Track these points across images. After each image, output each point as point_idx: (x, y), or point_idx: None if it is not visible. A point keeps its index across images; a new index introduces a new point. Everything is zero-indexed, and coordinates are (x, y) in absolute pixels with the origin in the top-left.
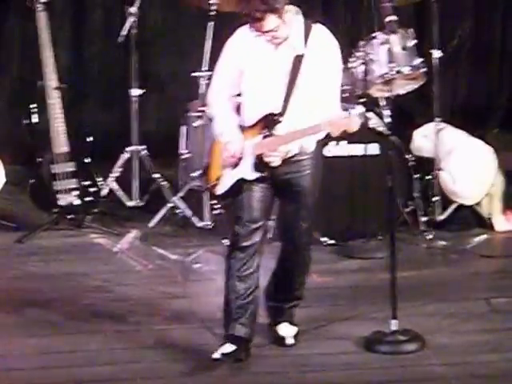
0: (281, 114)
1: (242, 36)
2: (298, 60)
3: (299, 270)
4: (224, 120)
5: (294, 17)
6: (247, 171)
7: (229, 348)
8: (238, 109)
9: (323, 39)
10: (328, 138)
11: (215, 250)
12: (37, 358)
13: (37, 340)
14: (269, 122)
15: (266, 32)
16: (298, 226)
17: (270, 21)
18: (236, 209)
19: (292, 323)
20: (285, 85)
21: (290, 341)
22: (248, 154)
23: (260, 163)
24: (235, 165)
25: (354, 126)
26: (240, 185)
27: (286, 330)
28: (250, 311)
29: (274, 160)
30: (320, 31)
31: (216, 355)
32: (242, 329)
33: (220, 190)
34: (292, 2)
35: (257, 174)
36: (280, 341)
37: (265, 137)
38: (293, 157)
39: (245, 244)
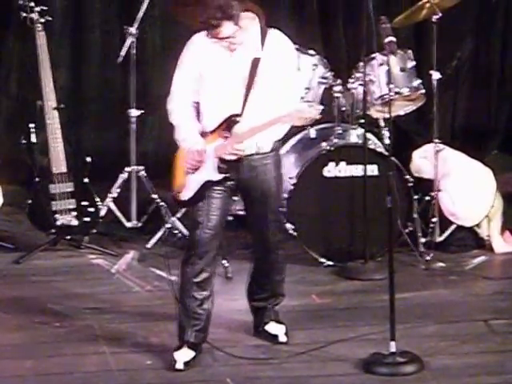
0: (239, 115)
1: (199, 42)
2: (255, 63)
3: (274, 269)
4: (185, 127)
5: (250, 22)
6: (212, 173)
7: (188, 355)
8: (198, 115)
9: (279, 42)
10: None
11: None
12: (34, 380)
13: (34, 361)
14: (229, 124)
15: (223, 39)
16: (267, 228)
17: (227, 28)
18: (195, 214)
19: (279, 321)
20: (243, 87)
21: (282, 338)
22: (210, 157)
23: (222, 165)
24: (198, 169)
25: (314, 113)
26: (205, 189)
27: (276, 328)
28: (206, 316)
29: (232, 157)
30: (276, 35)
31: (179, 366)
32: (199, 335)
33: (186, 195)
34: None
35: (221, 176)
36: (273, 339)
37: (225, 139)
38: (253, 160)
39: (203, 250)
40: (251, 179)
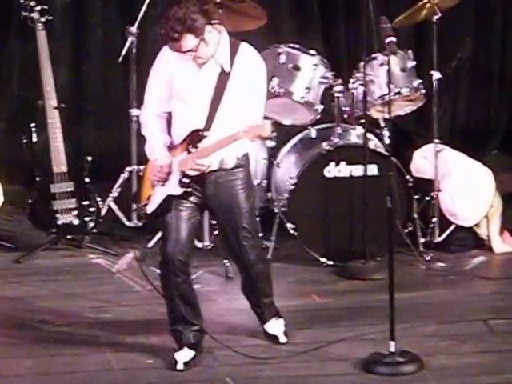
0: (206, 130)
1: (168, 54)
2: (224, 78)
3: (258, 281)
4: (153, 139)
5: (218, 36)
6: (174, 187)
7: (189, 355)
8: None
9: (249, 58)
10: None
11: (215, 271)
12: (34, 379)
13: (34, 360)
14: (194, 138)
15: (185, 52)
16: (240, 246)
17: (188, 41)
18: (164, 229)
19: (278, 316)
20: (208, 103)
21: (283, 339)
22: (175, 171)
23: (185, 179)
24: (164, 182)
25: (267, 131)
26: (168, 202)
27: (276, 327)
28: (197, 315)
29: (195, 173)
30: (246, 50)
31: (180, 366)
32: (197, 334)
33: (150, 208)
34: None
35: (182, 190)
36: (273, 339)
37: (189, 152)
38: (218, 177)
39: (177, 264)
40: (217, 196)
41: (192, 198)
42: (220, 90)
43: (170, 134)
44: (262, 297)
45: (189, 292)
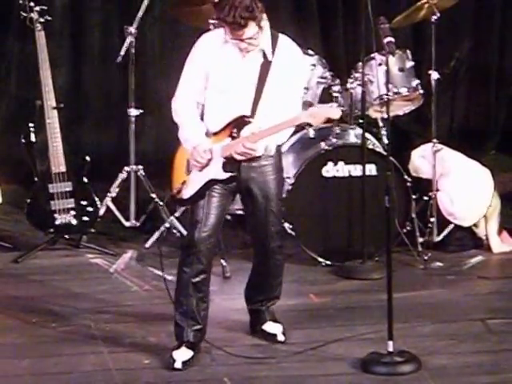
0: (251, 116)
1: (209, 42)
2: (266, 66)
3: (273, 272)
4: (190, 126)
5: (265, 25)
6: (218, 172)
7: (187, 354)
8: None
9: (291, 49)
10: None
11: (212, 271)
12: (31, 379)
13: (31, 361)
14: (239, 124)
15: (245, 40)
16: (267, 230)
17: (251, 28)
18: (194, 213)
19: (275, 321)
20: (253, 90)
21: (281, 337)
22: (217, 156)
23: (229, 164)
24: (204, 167)
25: (336, 113)
26: (207, 188)
27: (274, 328)
28: (204, 316)
29: (242, 157)
30: (287, 41)
31: (178, 365)
32: (197, 334)
33: (188, 193)
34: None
35: (227, 174)
36: (271, 338)
37: (233, 139)
38: (255, 162)
39: (202, 249)
40: (250, 180)
41: (229, 184)
42: (263, 78)
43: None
44: (270, 295)
45: (205, 284)
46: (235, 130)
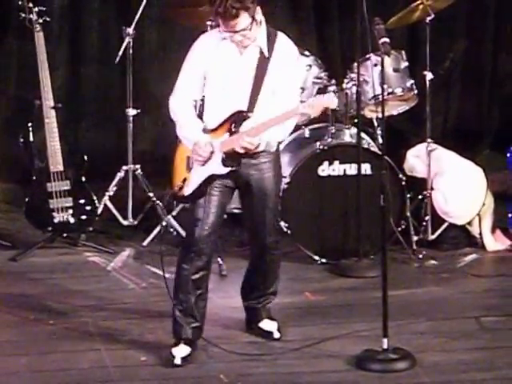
0: (249, 111)
1: (207, 41)
2: (264, 62)
3: (270, 269)
4: (189, 124)
5: (261, 21)
6: (218, 167)
7: (185, 351)
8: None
9: (288, 46)
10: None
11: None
12: (29, 376)
13: (29, 358)
14: (237, 119)
15: (238, 31)
16: (264, 226)
17: (244, 19)
18: (195, 211)
19: (271, 319)
20: (250, 86)
21: (277, 334)
22: (216, 151)
23: (229, 158)
24: (206, 162)
25: (333, 102)
26: (208, 184)
27: (270, 325)
28: (202, 313)
29: (242, 151)
30: (285, 39)
31: (177, 361)
32: (196, 331)
33: (189, 190)
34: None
35: (227, 169)
36: (267, 335)
37: (231, 134)
38: (254, 159)
39: (202, 247)
40: (248, 176)
41: (227, 180)
42: (261, 73)
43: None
44: (266, 292)
45: (204, 282)
46: (234, 126)
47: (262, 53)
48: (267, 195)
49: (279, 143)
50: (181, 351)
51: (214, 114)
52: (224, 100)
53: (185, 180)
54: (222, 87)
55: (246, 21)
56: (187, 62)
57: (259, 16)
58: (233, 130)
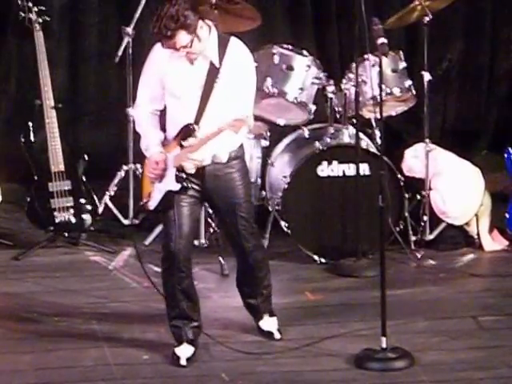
0: (196, 124)
1: (160, 52)
2: (214, 72)
3: (256, 267)
4: (148, 135)
5: (207, 31)
6: (172, 183)
7: (189, 350)
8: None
9: (238, 52)
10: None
11: (210, 268)
12: (33, 374)
13: (32, 356)
14: (185, 133)
15: (179, 49)
16: (239, 234)
17: (182, 37)
18: (166, 225)
19: (271, 314)
20: (199, 97)
21: (277, 335)
22: (170, 166)
23: (181, 174)
24: (161, 178)
25: (250, 124)
26: (169, 198)
27: (269, 324)
28: (198, 312)
29: (189, 168)
30: (235, 44)
31: (183, 362)
32: (196, 330)
33: (152, 205)
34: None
35: (179, 185)
36: (268, 336)
37: (182, 147)
38: (219, 171)
39: (180, 259)
40: (215, 188)
41: (192, 192)
42: (210, 84)
43: (164, 130)
44: (260, 287)
45: (191, 287)
46: (182, 139)
47: (212, 64)
48: (237, 204)
49: (242, 149)
50: (185, 351)
51: (172, 124)
52: (178, 111)
53: (149, 194)
54: (176, 97)
55: (184, 38)
56: (143, 73)
57: (203, 31)
58: (182, 144)
